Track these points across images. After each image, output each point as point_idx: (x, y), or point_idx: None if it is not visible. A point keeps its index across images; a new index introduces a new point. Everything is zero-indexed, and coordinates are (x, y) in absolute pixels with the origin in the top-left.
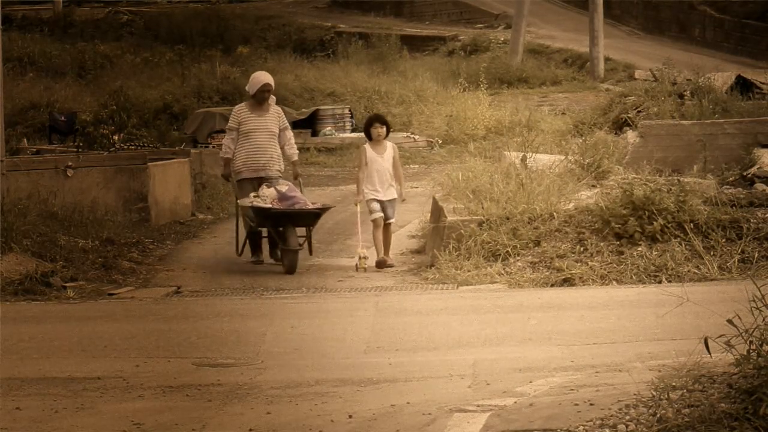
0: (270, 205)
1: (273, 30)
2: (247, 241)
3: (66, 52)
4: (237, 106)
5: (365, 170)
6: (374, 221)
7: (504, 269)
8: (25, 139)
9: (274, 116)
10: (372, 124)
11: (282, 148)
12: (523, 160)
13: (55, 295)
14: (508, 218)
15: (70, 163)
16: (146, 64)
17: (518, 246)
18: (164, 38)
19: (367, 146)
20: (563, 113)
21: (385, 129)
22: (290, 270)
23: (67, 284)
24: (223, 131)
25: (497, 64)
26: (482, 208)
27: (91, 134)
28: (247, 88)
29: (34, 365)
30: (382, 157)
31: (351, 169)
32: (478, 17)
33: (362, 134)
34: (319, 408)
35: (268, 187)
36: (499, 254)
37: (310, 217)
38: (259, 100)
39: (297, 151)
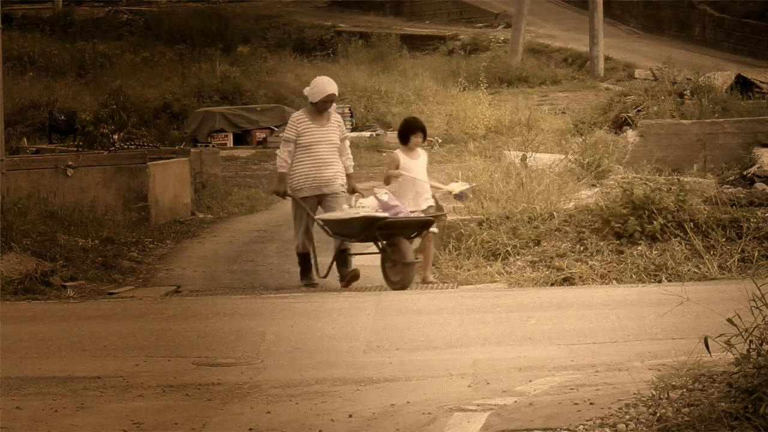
0: (385, 215)
1: (273, 29)
2: (301, 262)
3: (66, 51)
4: (295, 115)
5: (397, 181)
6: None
7: (504, 268)
8: (25, 139)
9: (336, 126)
10: (414, 132)
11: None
12: (523, 159)
13: (55, 295)
14: (507, 217)
15: (69, 163)
16: (146, 63)
17: (518, 245)
18: (164, 37)
19: (400, 152)
20: (563, 112)
21: (422, 136)
22: (405, 285)
23: (66, 283)
24: (223, 131)
25: (497, 64)
26: (482, 207)
27: (91, 133)
28: (306, 92)
29: (33, 364)
30: (416, 162)
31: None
32: (478, 16)
33: (362, 133)
34: (319, 407)
35: (362, 197)
36: (499, 253)
37: (421, 226)
38: (320, 109)
39: (353, 163)
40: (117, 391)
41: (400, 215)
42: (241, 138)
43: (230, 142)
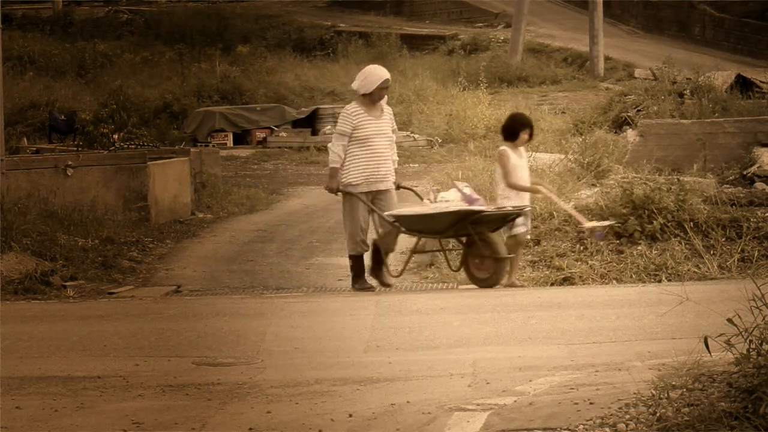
0: (482, 208)
1: (273, 29)
2: (354, 266)
3: (66, 51)
4: (350, 107)
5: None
6: (516, 237)
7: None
8: (24, 138)
9: (389, 118)
10: (524, 128)
11: None
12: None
13: (55, 294)
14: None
15: (69, 162)
16: (146, 63)
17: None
18: (164, 37)
19: (508, 149)
20: (563, 112)
21: (530, 134)
22: (496, 282)
23: (66, 283)
24: (222, 130)
25: (497, 63)
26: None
27: (91, 133)
28: (355, 86)
29: (33, 364)
30: (523, 161)
31: None
32: (478, 16)
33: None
34: (319, 407)
35: (437, 192)
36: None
37: (505, 221)
38: (375, 99)
39: (397, 158)
40: (117, 391)
41: (490, 209)
42: (241, 138)
43: (230, 142)
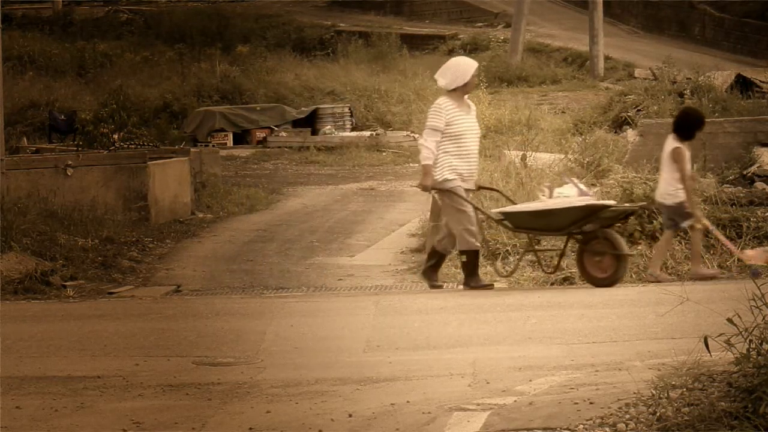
0: (612, 202)
1: (273, 29)
2: (434, 261)
3: (66, 50)
4: (441, 101)
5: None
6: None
7: (504, 268)
8: (24, 138)
9: (475, 113)
10: (700, 127)
11: None
12: (523, 158)
13: (55, 294)
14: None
15: (69, 162)
16: (146, 62)
17: (518, 245)
18: (164, 37)
19: (682, 146)
20: (563, 112)
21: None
22: (617, 279)
23: (66, 283)
24: (222, 130)
25: (497, 63)
26: (482, 206)
27: (91, 133)
28: (444, 82)
29: (33, 364)
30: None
31: (351, 168)
32: (478, 16)
33: (362, 133)
34: (319, 407)
35: (551, 188)
36: (499, 253)
37: (626, 216)
38: (468, 90)
39: None
40: (117, 390)
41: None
42: (241, 137)
43: (230, 142)
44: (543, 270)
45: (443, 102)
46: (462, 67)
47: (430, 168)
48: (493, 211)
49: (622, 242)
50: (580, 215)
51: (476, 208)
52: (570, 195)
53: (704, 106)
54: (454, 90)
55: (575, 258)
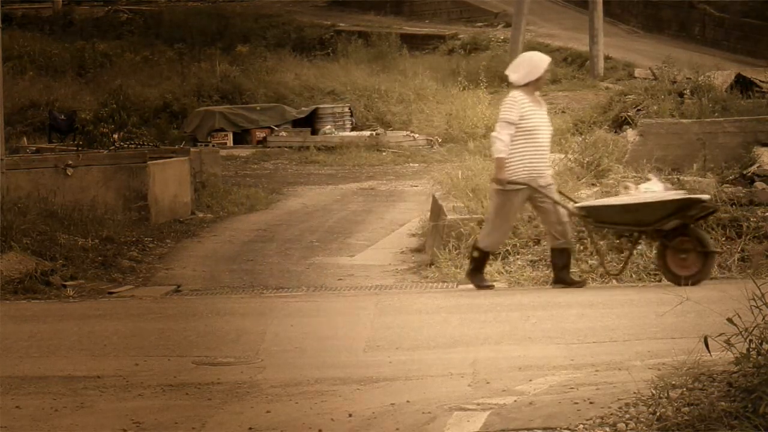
0: (707, 196)
1: (273, 28)
2: (479, 259)
3: (66, 50)
4: (516, 94)
5: None
6: None
7: (504, 268)
8: (24, 138)
9: (546, 109)
10: None
11: None
12: None
13: (55, 294)
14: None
15: (69, 162)
16: (146, 62)
17: (518, 245)
18: (164, 37)
19: None
20: (563, 112)
21: None
22: (702, 278)
23: (66, 283)
24: (222, 130)
25: (497, 63)
26: (482, 206)
27: (91, 133)
28: (516, 77)
29: (33, 364)
30: None
31: (351, 168)
32: (478, 16)
33: (362, 133)
34: (319, 406)
35: (635, 184)
36: (499, 253)
37: (713, 213)
38: (540, 85)
39: None
40: (117, 390)
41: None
42: (241, 137)
43: (230, 142)
44: (605, 271)
45: (517, 95)
46: (534, 61)
47: (504, 161)
48: (575, 205)
49: (709, 239)
50: (673, 209)
51: (556, 203)
52: (656, 190)
53: (704, 106)
54: (526, 85)
55: (655, 256)
